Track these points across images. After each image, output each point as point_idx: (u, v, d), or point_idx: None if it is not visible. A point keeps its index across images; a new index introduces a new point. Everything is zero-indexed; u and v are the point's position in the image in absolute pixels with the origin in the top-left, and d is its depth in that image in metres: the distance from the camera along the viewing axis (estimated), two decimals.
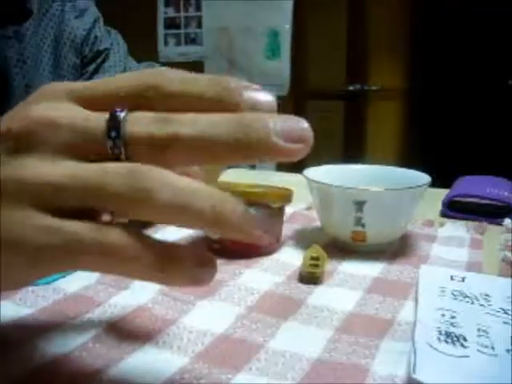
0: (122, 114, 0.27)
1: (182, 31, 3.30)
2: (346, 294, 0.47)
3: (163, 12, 3.34)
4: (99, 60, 0.97)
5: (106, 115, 0.27)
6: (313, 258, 0.50)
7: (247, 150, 0.26)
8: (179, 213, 0.26)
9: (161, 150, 0.27)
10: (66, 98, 0.29)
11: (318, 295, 0.46)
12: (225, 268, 0.52)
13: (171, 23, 3.32)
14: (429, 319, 0.40)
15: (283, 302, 0.45)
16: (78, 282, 0.48)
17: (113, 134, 0.27)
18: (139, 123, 0.27)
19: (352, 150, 3.53)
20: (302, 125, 0.27)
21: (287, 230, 0.63)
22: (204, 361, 0.36)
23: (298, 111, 3.08)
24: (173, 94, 0.28)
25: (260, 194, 0.55)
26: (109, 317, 0.42)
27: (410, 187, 0.55)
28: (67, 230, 0.26)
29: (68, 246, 0.26)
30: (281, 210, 0.57)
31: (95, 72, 0.96)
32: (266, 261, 0.54)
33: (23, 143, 0.27)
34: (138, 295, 0.45)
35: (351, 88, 3.63)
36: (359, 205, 0.53)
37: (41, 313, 0.42)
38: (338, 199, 0.55)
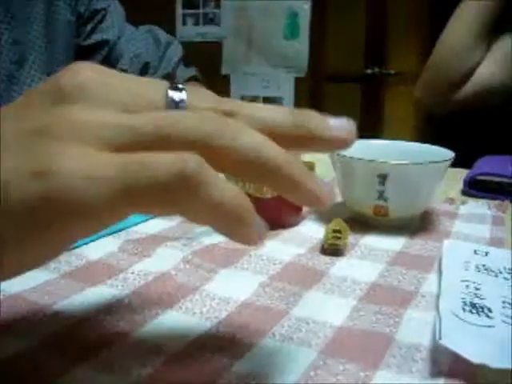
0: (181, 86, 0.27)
1: (201, 11, 3.28)
2: (369, 266, 0.46)
3: None
4: (96, 20, 0.95)
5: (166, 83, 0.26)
6: (335, 231, 0.50)
7: (306, 135, 0.27)
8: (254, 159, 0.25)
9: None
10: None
11: (341, 266, 0.46)
12: None
13: (189, 3, 3.31)
14: (453, 290, 0.39)
15: (306, 272, 0.45)
16: (100, 249, 0.48)
17: (176, 99, 0.26)
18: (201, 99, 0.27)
19: (369, 133, 3.50)
20: (349, 121, 0.29)
21: None
22: (227, 326, 0.36)
23: (316, 93, 3.06)
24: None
25: None
26: (131, 283, 0.42)
27: (433, 161, 0.54)
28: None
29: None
30: None
31: (92, 32, 0.94)
32: (287, 233, 0.54)
33: (74, 96, 0.25)
34: (160, 263, 0.45)
35: (369, 71, 3.59)
36: (382, 178, 0.53)
37: (64, 278, 0.43)
38: (360, 172, 0.55)
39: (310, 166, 0.56)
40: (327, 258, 0.48)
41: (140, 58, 0.96)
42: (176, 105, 0.26)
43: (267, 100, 3.16)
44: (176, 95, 0.26)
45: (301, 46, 2.99)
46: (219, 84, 3.29)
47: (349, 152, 0.56)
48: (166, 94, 0.26)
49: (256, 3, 3.08)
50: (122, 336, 0.34)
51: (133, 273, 0.44)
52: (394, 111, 3.48)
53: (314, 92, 3.06)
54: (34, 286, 0.41)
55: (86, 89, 0.25)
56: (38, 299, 0.39)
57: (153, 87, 0.26)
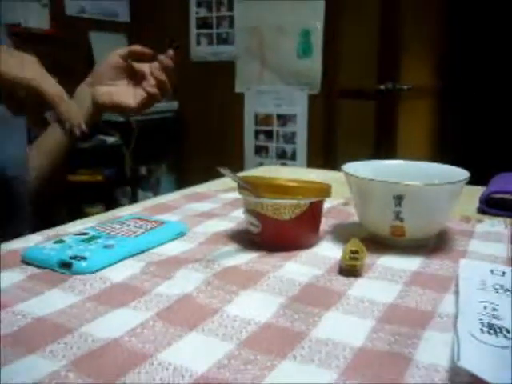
0: None
1: (214, 31, 3.32)
2: (386, 287, 0.47)
3: (195, 12, 3.37)
4: None
5: None
6: (352, 252, 0.51)
7: None
8: None
9: None
10: None
11: (359, 287, 0.47)
12: (265, 260, 0.53)
13: (203, 23, 3.35)
14: (471, 311, 0.40)
15: (324, 293, 0.46)
16: (123, 271, 0.49)
17: None
18: None
19: (384, 149, 3.50)
20: None
21: (325, 224, 0.64)
22: (249, 347, 0.37)
23: (330, 110, 3.08)
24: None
25: (299, 189, 0.55)
26: (155, 305, 0.43)
27: (449, 182, 0.55)
28: None
29: None
30: (319, 205, 0.58)
31: None
32: (305, 254, 0.55)
33: None
34: (182, 285, 0.46)
35: (382, 87, 3.60)
36: (398, 199, 0.54)
37: (89, 300, 0.44)
38: (377, 193, 0.56)
39: (327, 188, 0.57)
40: (345, 279, 0.49)
41: None
42: None
43: (281, 117, 3.18)
44: None
45: (314, 64, 3.01)
46: (233, 102, 3.32)
47: (365, 173, 0.57)
48: None
49: (269, 22, 3.11)
50: (148, 357, 0.35)
51: (156, 295, 0.45)
52: (408, 125, 3.48)
53: (327, 108, 3.08)
54: (61, 308, 0.42)
55: None
56: (65, 322, 0.40)
57: None
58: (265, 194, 0.55)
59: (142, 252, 0.55)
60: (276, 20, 3.07)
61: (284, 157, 3.21)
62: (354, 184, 0.58)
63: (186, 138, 3.56)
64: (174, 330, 0.39)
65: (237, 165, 3.27)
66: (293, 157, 3.18)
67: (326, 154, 3.12)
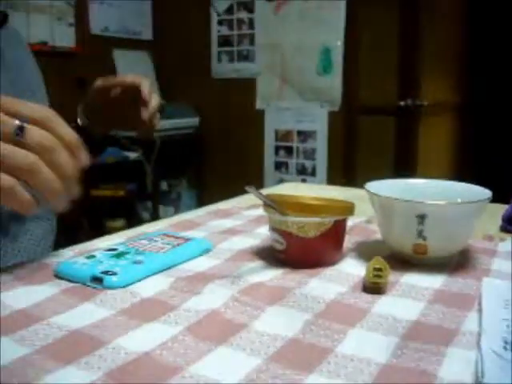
0: (26, 125, 0.49)
1: (235, 48, 3.36)
2: (410, 304, 0.48)
3: (217, 30, 3.42)
4: None
5: (18, 121, 0.49)
6: (376, 269, 0.52)
7: None
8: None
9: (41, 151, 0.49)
10: None
11: (383, 305, 0.48)
12: (290, 276, 0.54)
13: (224, 41, 3.40)
14: (494, 329, 0.41)
15: (349, 310, 0.47)
16: (152, 286, 0.51)
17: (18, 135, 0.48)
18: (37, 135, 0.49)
19: (404, 165, 3.49)
20: None
21: (348, 242, 0.65)
22: (277, 362, 0.38)
23: (350, 126, 3.09)
24: (56, 130, 0.51)
25: (323, 207, 0.57)
26: (184, 320, 0.44)
27: (471, 201, 0.56)
28: None
29: None
30: (343, 223, 0.59)
31: None
32: (329, 271, 0.56)
33: None
34: (209, 300, 0.48)
35: (402, 103, 3.60)
36: (421, 218, 0.55)
37: (120, 314, 0.45)
38: (400, 212, 0.57)
39: (350, 207, 0.58)
40: (369, 296, 0.50)
41: None
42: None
43: (301, 134, 3.20)
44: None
45: (334, 81, 3.03)
46: (254, 118, 3.35)
47: (387, 192, 0.58)
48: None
49: (290, 40, 3.14)
50: (179, 371, 0.36)
51: (184, 310, 0.46)
52: (428, 142, 3.47)
53: (347, 125, 3.09)
54: (94, 322, 0.44)
55: None
56: (99, 335, 0.41)
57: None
58: (290, 212, 0.56)
59: (170, 268, 0.57)
60: (296, 37, 3.10)
61: (304, 173, 3.22)
62: (377, 202, 0.59)
63: (207, 154, 3.59)
64: (203, 345, 0.40)
65: (257, 180, 3.29)
66: (313, 173, 3.19)
67: (345, 171, 3.12)
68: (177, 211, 3.27)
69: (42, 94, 0.90)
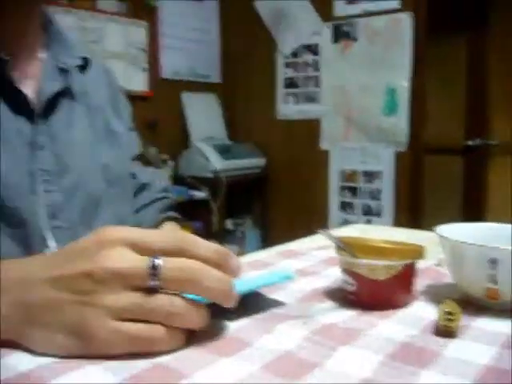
0: (159, 262, 0.45)
1: (301, 90, 3.43)
2: (482, 349, 0.48)
3: (283, 73, 3.50)
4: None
5: (149, 260, 0.45)
6: (447, 313, 0.52)
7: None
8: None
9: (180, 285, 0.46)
10: (120, 245, 0.46)
11: (455, 348, 0.48)
12: (361, 318, 0.55)
13: (290, 83, 3.47)
14: None
15: (420, 353, 0.47)
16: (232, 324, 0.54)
17: (152, 276, 0.45)
18: (171, 269, 0.46)
19: (472, 206, 3.42)
20: None
21: (418, 284, 0.65)
22: None
23: (416, 167, 3.06)
24: (194, 256, 0.47)
25: (394, 250, 0.58)
26: (259, 358, 0.46)
27: None
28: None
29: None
30: (413, 266, 0.60)
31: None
32: (400, 313, 0.57)
33: (92, 284, 0.45)
34: (282, 340, 0.50)
35: (470, 143, 3.55)
36: (493, 263, 0.55)
37: (197, 349, 0.48)
38: (471, 257, 0.57)
39: (420, 250, 0.59)
40: (440, 340, 0.50)
41: (138, 179, 0.94)
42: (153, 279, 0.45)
43: (366, 174, 3.19)
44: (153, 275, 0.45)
45: (400, 121, 3.03)
46: (319, 159, 3.38)
47: (458, 236, 0.59)
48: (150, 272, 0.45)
49: (355, 80, 3.17)
50: None
51: (257, 348, 0.48)
52: (498, 183, 3.39)
53: (414, 165, 3.06)
54: (175, 355, 0.46)
55: (99, 280, 0.45)
56: (180, 367, 0.44)
57: (140, 267, 0.46)
58: (360, 254, 0.58)
59: (251, 290, 0.59)
60: (362, 78, 3.13)
61: (369, 213, 3.20)
62: (448, 246, 0.60)
63: (272, 193, 3.63)
64: (279, 382, 0.42)
65: (321, 220, 3.29)
66: (378, 213, 3.17)
67: (411, 212, 3.08)
68: (241, 250, 3.31)
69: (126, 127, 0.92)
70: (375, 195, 3.18)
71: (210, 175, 3.18)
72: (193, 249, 0.48)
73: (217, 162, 3.17)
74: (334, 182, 3.34)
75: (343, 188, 3.30)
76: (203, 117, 3.50)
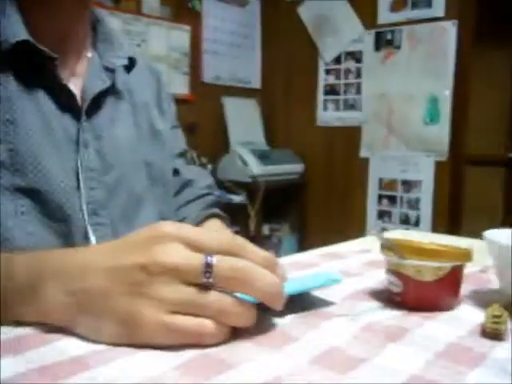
0: (213, 260, 0.46)
1: (342, 97, 3.42)
2: None
3: (324, 79, 3.50)
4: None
5: (203, 258, 0.46)
6: (494, 316, 0.52)
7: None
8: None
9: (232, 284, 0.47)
10: (175, 240, 0.47)
11: (502, 350, 0.48)
12: (407, 318, 0.56)
13: (331, 89, 3.47)
14: None
15: (468, 353, 0.47)
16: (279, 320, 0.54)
17: (206, 273, 0.46)
18: (224, 268, 0.47)
19: None
20: None
21: (464, 289, 0.65)
22: None
23: (457, 177, 3.02)
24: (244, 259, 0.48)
25: (441, 252, 0.58)
26: (307, 352, 0.47)
27: None
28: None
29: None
30: (461, 268, 0.60)
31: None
32: (446, 315, 0.57)
33: (147, 277, 0.46)
34: (330, 336, 0.50)
35: None
36: None
37: (244, 341, 0.49)
38: None
39: (468, 253, 0.59)
40: (488, 342, 0.50)
41: (182, 175, 0.95)
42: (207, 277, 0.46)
43: (406, 183, 3.17)
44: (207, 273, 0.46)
45: (441, 130, 3.00)
46: (358, 166, 3.37)
47: (506, 240, 0.59)
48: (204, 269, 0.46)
49: (396, 89, 3.15)
50: None
51: (305, 343, 0.49)
52: None
53: (454, 176, 3.02)
54: (223, 346, 0.47)
55: (154, 274, 0.46)
56: (227, 358, 0.45)
57: (195, 264, 0.47)
58: (407, 255, 0.58)
59: (300, 292, 0.59)
60: (403, 86, 3.11)
61: (407, 222, 3.17)
62: (496, 251, 0.60)
63: (310, 200, 3.63)
64: (327, 376, 0.42)
65: (359, 229, 3.27)
66: (416, 223, 3.13)
67: (450, 223, 3.04)
68: (277, 255, 3.30)
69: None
70: (413, 204, 3.14)
71: (248, 180, 3.20)
72: (243, 253, 0.49)
73: (255, 167, 3.19)
74: (373, 190, 3.32)
75: (381, 196, 3.28)
76: (243, 122, 3.53)
